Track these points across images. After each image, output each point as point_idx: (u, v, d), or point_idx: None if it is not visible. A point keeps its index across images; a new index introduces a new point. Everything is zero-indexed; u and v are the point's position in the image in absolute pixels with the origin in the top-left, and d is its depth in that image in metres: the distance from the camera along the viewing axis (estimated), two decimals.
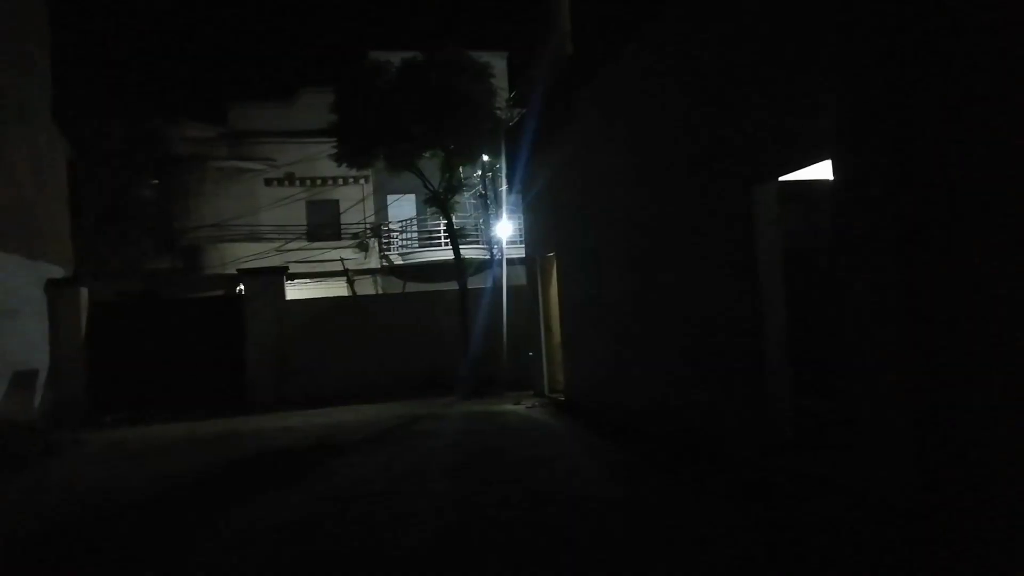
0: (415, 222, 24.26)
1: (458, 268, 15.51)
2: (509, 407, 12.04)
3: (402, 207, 24.35)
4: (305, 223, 23.72)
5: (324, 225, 23.83)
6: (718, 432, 6.62)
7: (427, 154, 15.33)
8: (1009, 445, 3.59)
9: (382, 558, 4.66)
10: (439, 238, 22.87)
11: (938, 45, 4.01)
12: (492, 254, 17.30)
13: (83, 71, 18.30)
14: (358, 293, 21.89)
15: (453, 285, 15.91)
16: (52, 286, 13.71)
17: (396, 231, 24.33)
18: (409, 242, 24.34)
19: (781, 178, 5.84)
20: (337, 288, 22.67)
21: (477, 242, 21.69)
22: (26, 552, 5.42)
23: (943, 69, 3.98)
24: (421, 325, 15.57)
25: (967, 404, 3.83)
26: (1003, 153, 3.63)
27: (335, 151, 15.44)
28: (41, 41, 14.43)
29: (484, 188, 18.30)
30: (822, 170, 5.31)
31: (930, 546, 3.92)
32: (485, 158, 16.57)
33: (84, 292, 14.17)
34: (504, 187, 16.08)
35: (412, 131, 14.09)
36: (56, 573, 4.88)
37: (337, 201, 24.08)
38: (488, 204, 18.05)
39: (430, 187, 15.59)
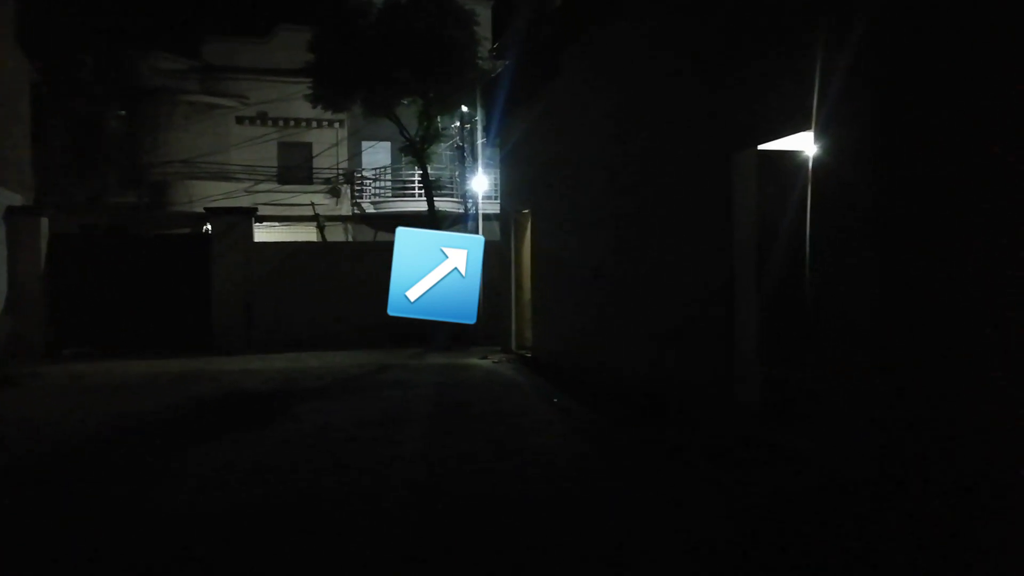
0: (389, 171, 23.92)
1: (432, 220, 15.38)
2: (475, 361, 12.09)
3: (376, 154, 23.97)
4: (276, 165, 23.25)
5: (295, 168, 23.38)
6: (685, 397, 6.72)
7: (405, 101, 15.05)
8: (972, 421, 3.68)
9: (345, 506, 4.68)
10: (413, 188, 22.61)
11: (929, 19, 3.99)
12: (467, 208, 17.16)
13: None
14: (328, 240, 21.63)
15: None
16: (11, 214, 13.32)
17: (369, 179, 23.99)
18: (382, 191, 24.04)
19: (761, 147, 5.84)
20: (307, 233, 22.36)
21: (452, 195, 21.49)
22: None
23: (935, 44, 3.96)
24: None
25: (933, 379, 3.91)
26: (990, 136, 3.64)
27: (311, 92, 15.07)
28: None
29: (462, 140, 18.07)
30: (804, 141, 5.31)
31: (888, 516, 4.03)
32: (464, 109, 16.33)
33: (45, 222, 13.80)
34: (482, 140, 15.90)
35: (392, 76, 13.78)
36: (9, 510, 4.82)
37: (310, 144, 23.61)
38: (465, 156, 17.84)
39: (407, 135, 15.35)
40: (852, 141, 4.54)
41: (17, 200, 13.65)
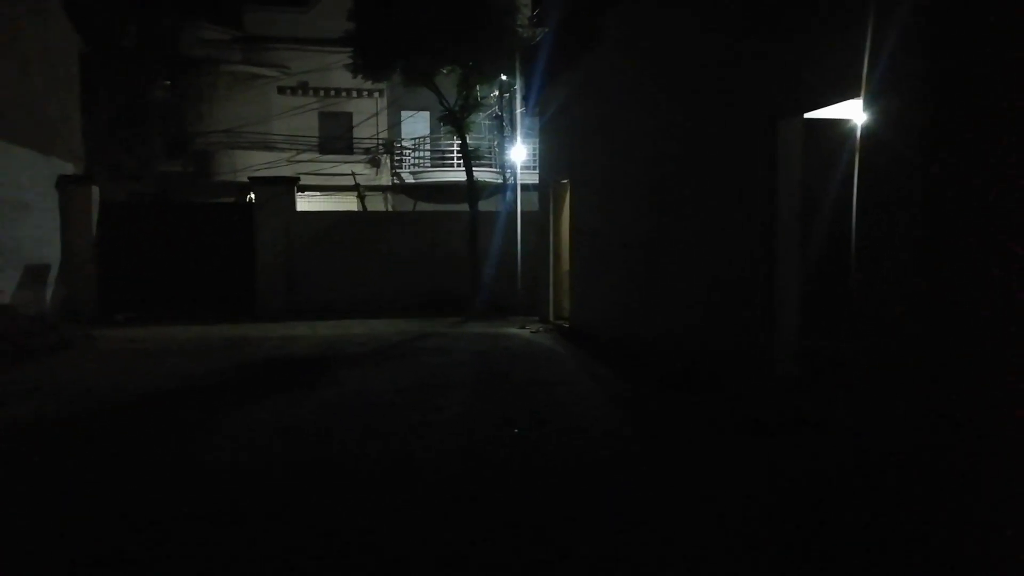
0: (428, 140, 23.96)
1: (470, 190, 15.40)
2: (514, 330, 12.17)
3: (416, 124, 24.01)
4: (317, 135, 23.45)
5: (336, 138, 23.56)
6: (723, 368, 6.70)
7: (445, 70, 15.01)
8: (1011, 398, 3.63)
9: (385, 467, 4.80)
10: (452, 158, 22.63)
11: None
12: (505, 178, 17.15)
13: None
14: (368, 209, 21.83)
15: (463, 207, 15.84)
16: (64, 182, 13.70)
17: (409, 149, 24.05)
18: (421, 161, 24.10)
19: (808, 115, 5.73)
20: (347, 203, 22.59)
21: (490, 165, 21.46)
22: (28, 445, 5.59)
23: (995, 4, 3.84)
24: (431, 245, 15.60)
25: (974, 356, 3.85)
26: None
27: (351, 61, 15.11)
28: None
29: (500, 109, 17.99)
30: (853, 109, 5.20)
31: (925, 491, 4.01)
32: (503, 78, 16.22)
33: (96, 190, 14.17)
34: (520, 109, 15.81)
35: (432, 45, 13.74)
36: (62, 464, 5.05)
37: (350, 114, 23.73)
38: (504, 126, 17.77)
39: (446, 104, 15.32)
40: (903, 110, 4.43)
41: (69, 169, 14.01)
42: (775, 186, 5.92)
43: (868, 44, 4.63)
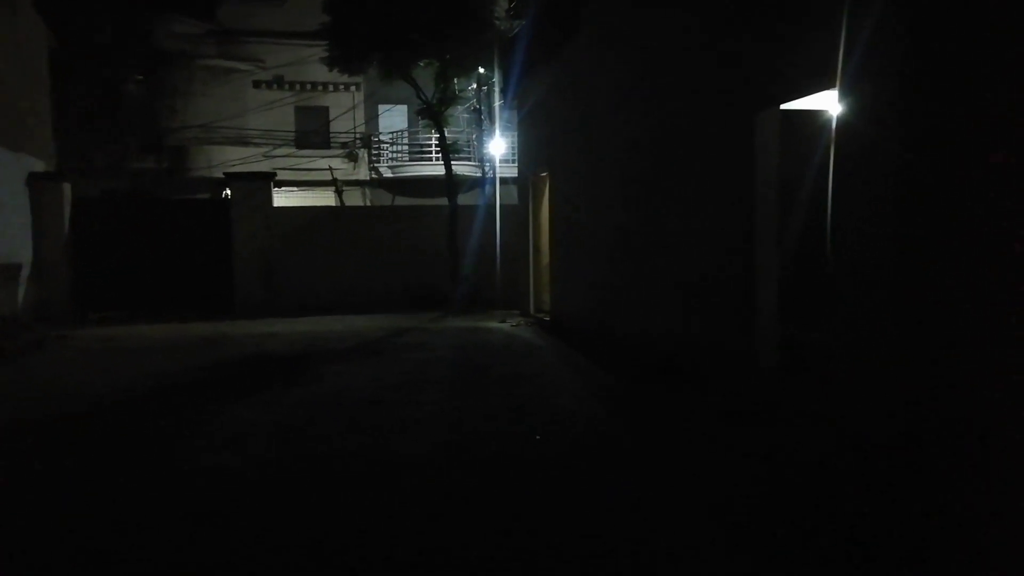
0: (406, 134, 23.82)
1: (449, 184, 15.34)
2: (494, 324, 12.16)
3: (393, 118, 23.86)
4: (293, 129, 23.23)
5: (313, 132, 23.35)
6: (704, 359, 6.73)
7: (422, 63, 14.91)
8: (991, 384, 3.67)
9: (370, 464, 4.77)
10: (431, 152, 22.52)
11: None
12: (484, 171, 17.11)
13: None
14: (346, 204, 21.69)
15: (442, 201, 15.78)
16: (34, 179, 13.45)
17: (386, 143, 23.90)
18: (399, 155, 23.97)
19: (784, 106, 5.75)
20: (325, 198, 22.42)
21: (469, 159, 21.38)
22: (4, 449, 5.49)
23: None
24: (410, 239, 15.53)
25: (955, 343, 3.89)
26: None
27: (327, 55, 14.97)
28: None
29: (479, 102, 17.93)
30: (829, 100, 5.22)
31: (906, 479, 4.06)
32: (481, 71, 16.16)
33: (67, 187, 13.93)
34: (499, 102, 15.76)
35: (408, 38, 13.64)
36: (45, 466, 4.96)
37: (327, 108, 23.53)
38: (482, 119, 17.72)
39: (424, 98, 15.23)
40: (877, 100, 4.46)
41: (39, 166, 13.77)
42: (753, 177, 5.94)
43: (843, 35, 4.66)
